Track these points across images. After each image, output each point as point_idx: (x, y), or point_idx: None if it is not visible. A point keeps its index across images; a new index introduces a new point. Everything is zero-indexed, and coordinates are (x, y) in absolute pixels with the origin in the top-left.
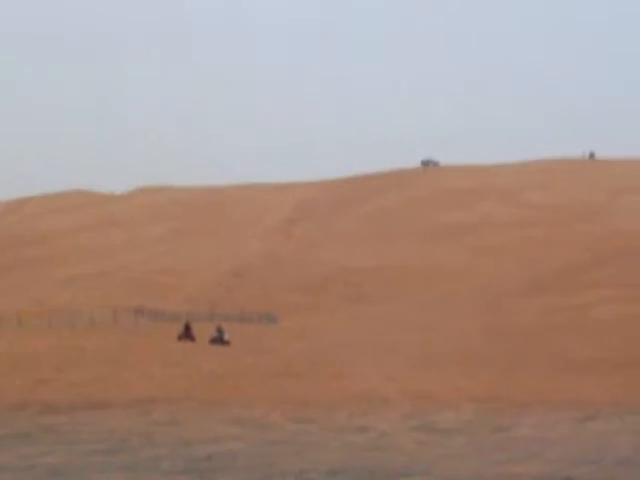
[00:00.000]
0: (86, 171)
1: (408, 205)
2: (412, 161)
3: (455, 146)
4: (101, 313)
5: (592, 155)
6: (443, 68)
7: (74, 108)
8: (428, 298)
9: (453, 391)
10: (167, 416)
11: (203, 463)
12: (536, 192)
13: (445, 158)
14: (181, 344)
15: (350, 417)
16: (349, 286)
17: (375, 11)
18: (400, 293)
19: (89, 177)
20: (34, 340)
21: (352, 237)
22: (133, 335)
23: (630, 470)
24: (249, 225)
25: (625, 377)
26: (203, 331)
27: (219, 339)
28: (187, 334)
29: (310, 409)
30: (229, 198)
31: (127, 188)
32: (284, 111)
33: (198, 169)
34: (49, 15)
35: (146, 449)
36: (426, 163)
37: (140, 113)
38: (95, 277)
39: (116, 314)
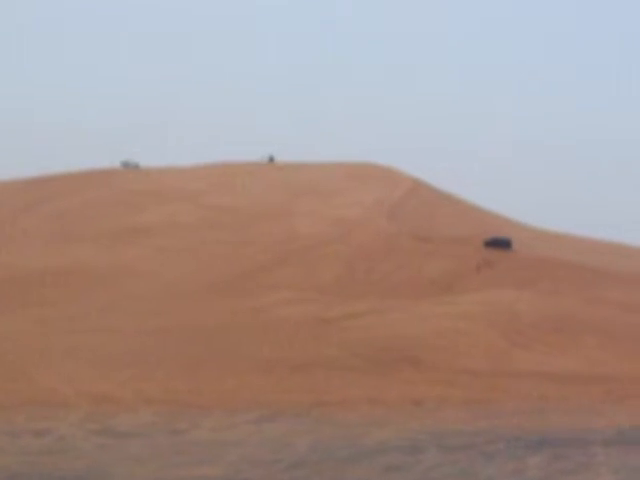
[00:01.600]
0: None
1: (91, 207)
2: (113, 161)
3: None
4: None
5: (272, 159)
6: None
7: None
8: (110, 300)
9: (132, 393)
10: None
11: None
12: (218, 194)
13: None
14: None
15: (28, 421)
16: (30, 288)
17: None
18: (82, 295)
19: None
20: None
21: (32, 239)
22: None
23: (305, 471)
24: None
25: (302, 377)
26: None
27: None
28: None
29: None
30: None
31: None
32: None
33: None
34: None
35: None
36: (126, 164)
37: None
38: None
39: None
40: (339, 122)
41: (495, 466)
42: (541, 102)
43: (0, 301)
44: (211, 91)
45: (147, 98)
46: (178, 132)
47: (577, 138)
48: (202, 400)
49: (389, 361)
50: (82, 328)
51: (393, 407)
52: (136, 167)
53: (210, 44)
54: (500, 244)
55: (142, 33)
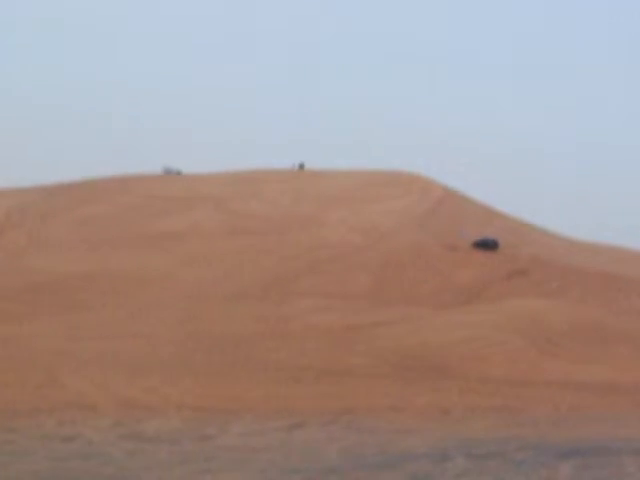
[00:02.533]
0: None
1: (117, 213)
2: (153, 167)
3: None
4: None
5: (302, 166)
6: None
7: None
8: (138, 306)
9: (160, 399)
10: None
11: None
12: (246, 201)
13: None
14: None
15: (58, 426)
16: (59, 294)
17: None
18: (111, 301)
19: None
20: None
21: (63, 244)
22: None
23: (334, 478)
24: None
25: (331, 385)
26: None
27: None
28: None
29: (16, 418)
30: None
31: None
32: None
33: None
34: None
35: None
36: (168, 171)
37: None
38: None
39: None
40: (369, 129)
41: (524, 475)
42: (580, 113)
43: (29, 306)
44: (242, 97)
45: (175, 103)
46: (210, 138)
47: (608, 144)
48: (230, 406)
49: (417, 369)
50: (111, 334)
51: (421, 415)
52: (178, 174)
53: (243, 52)
54: (488, 245)
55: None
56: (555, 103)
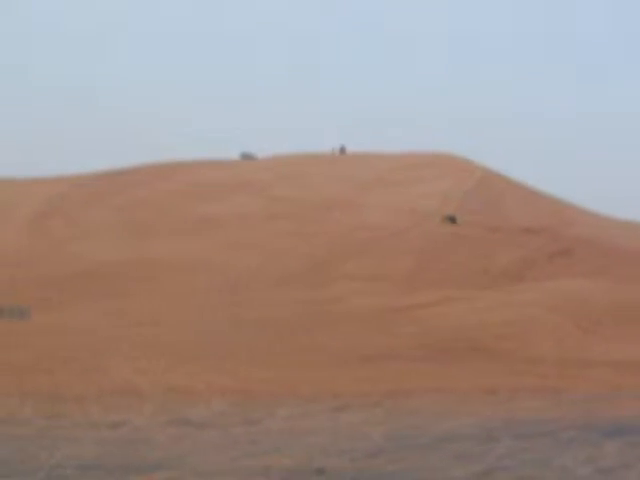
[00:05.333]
0: None
1: (159, 199)
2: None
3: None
4: None
5: (343, 149)
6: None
7: None
8: (180, 292)
9: (205, 384)
10: None
11: None
12: (287, 186)
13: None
14: None
15: (103, 412)
16: (102, 280)
17: None
18: (154, 287)
19: None
20: None
21: (104, 231)
22: None
23: (380, 460)
24: None
25: (374, 368)
26: None
27: None
28: None
29: (62, 404)
30: None
31: None
32: (26, 105)
33: None
34: None
35: None
36: (245, 156)
37: None
38: None
39: None
40: (408, 111)
41: (569, 454)
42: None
43: (73, 293)
44: (286, 79)
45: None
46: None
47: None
48: (275, 390)
49: (460, 350)
50: (153, 320)
51: (465, 396)
52: (252, 158)
53: (286, 39)
54: (451, 220)
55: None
56: (599, 91)
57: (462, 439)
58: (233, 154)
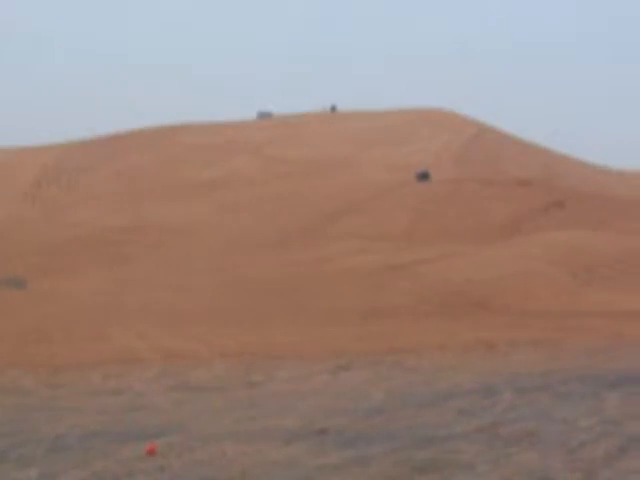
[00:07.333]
0: None
1: (159, 163)
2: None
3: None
4: None
5: (334, 108)
6: None
7: None
8: (178, 256)
9: (205, 348)
10: None
11: None
12: (281, 145)
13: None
14: None
15: (105, 379)
16: (100, 247)
17: None
18: (152, 252)
19: None
20: None
21: (103, 197)
22: None
23: (382, 418)
24: None
25: (374, 326)
26: None
27: None
28: None
29: (64, 373)
30: None
31: None
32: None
33: None
34: None
35: None
36: (263, 114)
37: None
38: None
39: None
40: (402, 67)
41: (571, 406)
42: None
43: (70, 260)
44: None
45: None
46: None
47: None
48: (275, 352)
49: (460, 306)
50: (152, 285)
51: (466, 351)
52: (269, 116)
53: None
54: (424, 176)
55: None
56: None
57: (464, 395)
58: (251, 112)
